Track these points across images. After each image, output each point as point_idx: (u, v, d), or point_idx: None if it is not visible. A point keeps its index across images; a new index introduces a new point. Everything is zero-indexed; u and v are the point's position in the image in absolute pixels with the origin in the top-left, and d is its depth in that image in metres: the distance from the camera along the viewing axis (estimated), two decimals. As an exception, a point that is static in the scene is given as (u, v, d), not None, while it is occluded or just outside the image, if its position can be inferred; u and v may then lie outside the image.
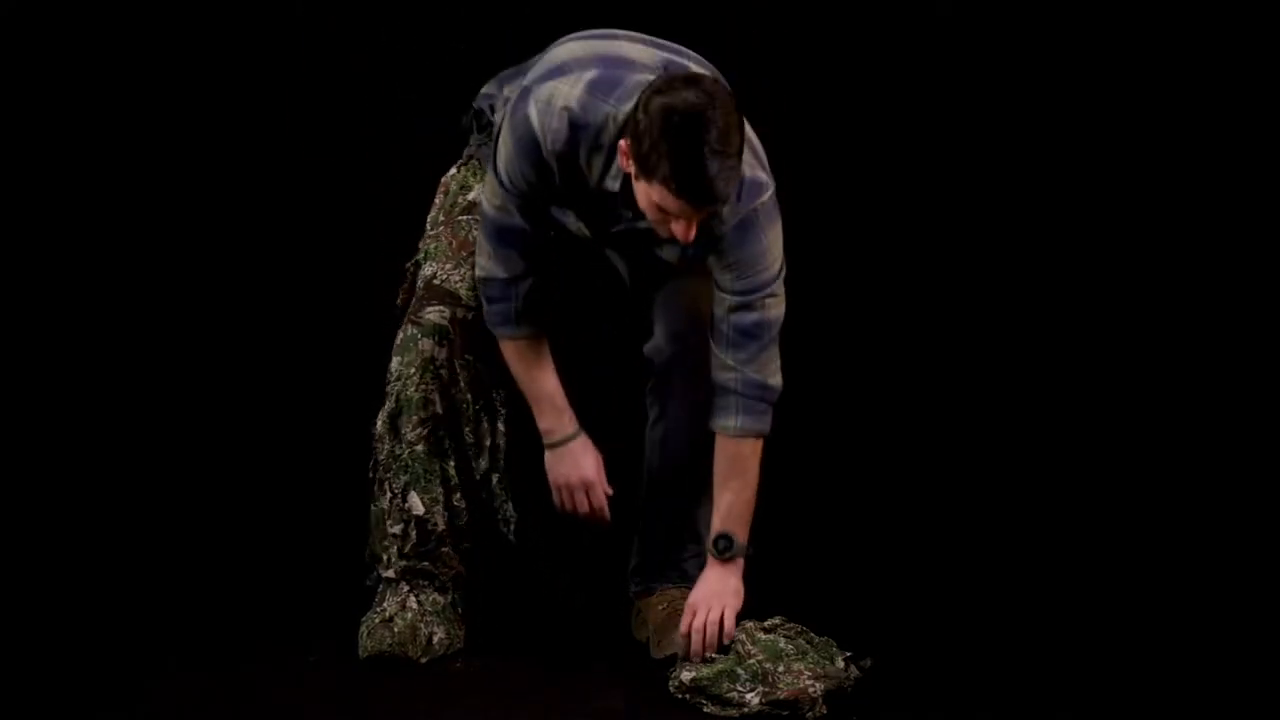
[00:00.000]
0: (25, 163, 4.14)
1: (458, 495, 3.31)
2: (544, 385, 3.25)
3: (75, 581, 3.67)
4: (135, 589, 3.65)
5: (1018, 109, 4.17)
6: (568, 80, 3.06)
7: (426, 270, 3.32)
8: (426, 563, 3.31)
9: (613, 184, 3.08)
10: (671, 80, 2.93)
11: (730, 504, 3.20)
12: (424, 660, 3.25)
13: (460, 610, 3.34)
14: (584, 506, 3.28)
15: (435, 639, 3.29)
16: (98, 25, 4.11)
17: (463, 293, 3.28)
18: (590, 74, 3.06)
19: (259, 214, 4.21)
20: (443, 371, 3.29)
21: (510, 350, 3.25)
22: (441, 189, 3.40)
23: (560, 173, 3.09)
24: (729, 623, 3.16)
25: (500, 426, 3.36)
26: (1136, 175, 4.16)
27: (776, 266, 3.14)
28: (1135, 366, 4.17)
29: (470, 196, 3.33)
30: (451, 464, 3.30)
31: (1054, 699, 3.15)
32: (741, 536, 3.20)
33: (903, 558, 3.91)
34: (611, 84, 3.04)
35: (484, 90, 3.39)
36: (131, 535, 3.92)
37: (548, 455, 3.28)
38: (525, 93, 3.09)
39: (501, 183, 3.14)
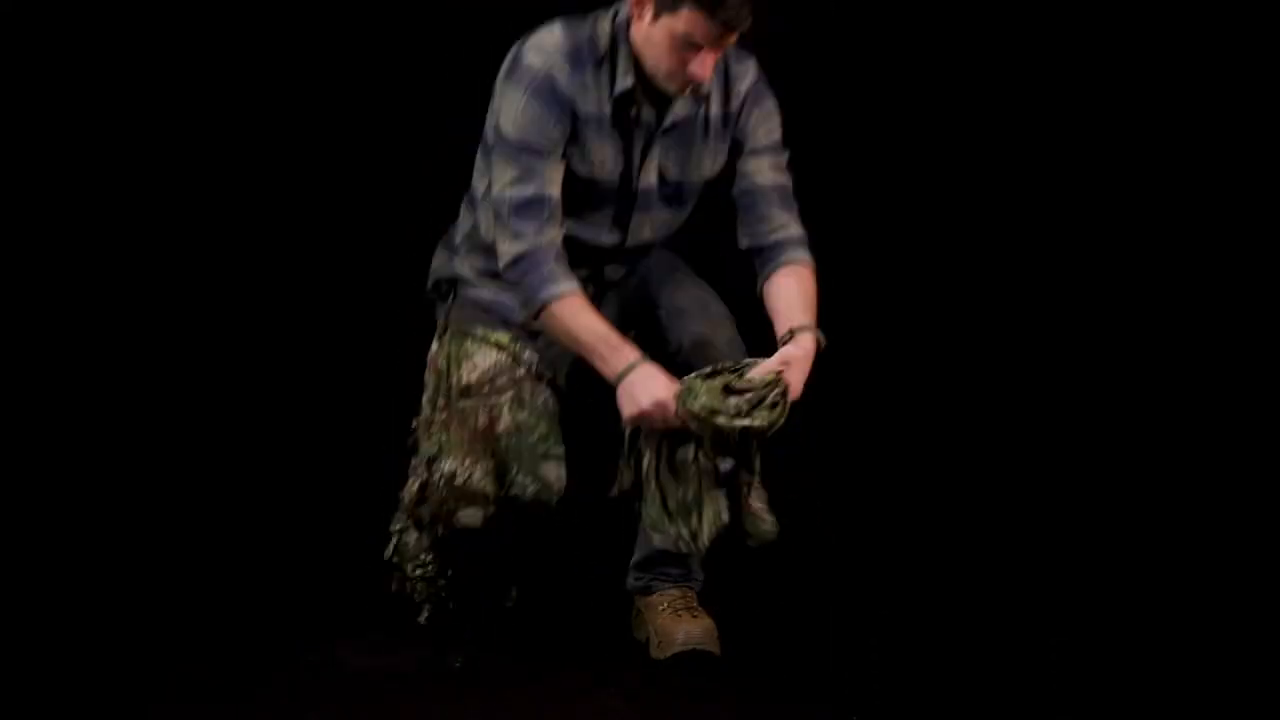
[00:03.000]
0: (25, 163, 4.14)
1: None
2: (596, 329, 3.18)
3: (75, 582, 3.67)
4: (135, 589, 3.65)
5: (1018, 109, 4.18)
6: (542, 30, 3.22)
7: (446, 467, 3.28)
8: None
9: (626, 81, 3.19)
10: None
11: (813, 312, 3.30)
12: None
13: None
14: (666, 424, 3.18)
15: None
16: (98, 25, 4.12)
17: (489, 489, 3.27)
18: (557, 20, 3.23)
19: (262, 214, 4.21)
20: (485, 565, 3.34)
21: (555, 316, 3.19)
22: (430, 368, 3.37)
23: (578, 101, 3.18)
24: (795, 388, 3.22)
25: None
26: (1136, 175, 4.16)
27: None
28: (1135, 366, 4.18)
29: (464, 377, 3.31)
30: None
31: (1054, 699, 3.15)
32: (810, 324, 3.29)
33: (902, 558, 3.91)
34: (579, 17, 3.22)
35: (434, 263, 3.43)
36: (131, 536, 3.92)
37: (619, 391, 3.17)
38: (516, 55, 3.20)
39: (516, 149, 3.17)
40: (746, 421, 3.11)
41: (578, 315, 3.19)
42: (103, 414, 4.16)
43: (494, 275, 3.29)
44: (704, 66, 3.12)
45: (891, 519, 4.05)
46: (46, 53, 4.12)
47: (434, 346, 3.38)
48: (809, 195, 4.24)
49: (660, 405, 3.14)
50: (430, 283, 3.44)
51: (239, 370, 4.20)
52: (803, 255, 3.33)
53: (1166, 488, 4.04)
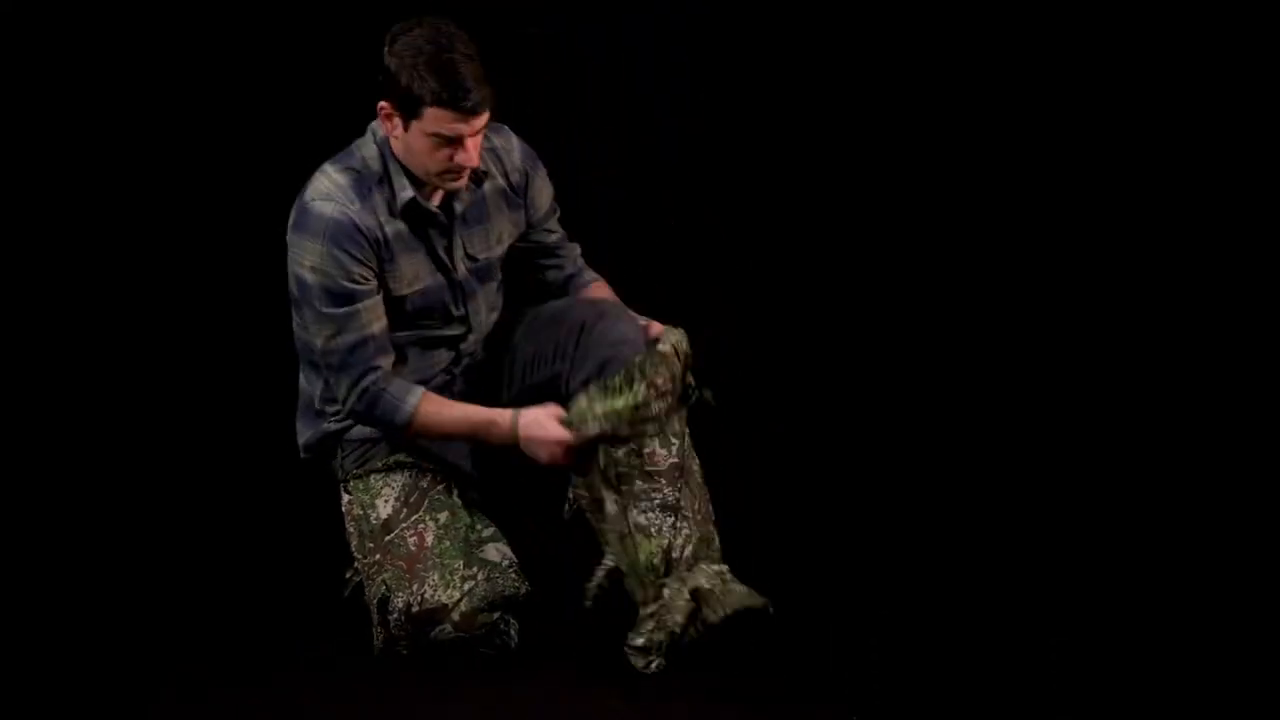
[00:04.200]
0: (25, 163, 4.14)
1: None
2: (464, 416, 3.29)
3: (75, 583, 3.67)
4: (135, 589, 3.65)
5: (1017, 109, 4.17)
6: (315, 178, 3.29)
7: (399, 603, 3.29)
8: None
9: (406, 193, 3.26)
10: (400, 28, 3.20)
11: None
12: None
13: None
14: (570, 457, 3.26)
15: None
16: (97, 25, 4.12)
17: (445, 599, 3.28)
18: (323, 166, 3.30)
19: (261, 214, 4.21)
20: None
21: (421, 424, 3.28)
22: (348, 518, 3.41)
23: (375, 230, 3.24)
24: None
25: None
26: (1136, 175, 4.16)
27: None
28: (1135, 366, 4.17)
29: (381, 513, 3.34)
30: None
31: (1054, 699, 3.15)
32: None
33: (902, 558, 3.90)
34: (344, 153, 3.31)
35: (302, 436, 3.47)
36: (132, 537, 3.92)
37: (522, 449, 3.27)
38: (303, 208, 3.25)
39: (327, 302, 3.22)
40: (642, 393, 3.21)
41: (441, 413, 3.29)
42: (104, 415, 4.16)
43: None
44: (468, 154, 3.19)
45: (892, 519, 4.05)
46: (46, 53, 4.12)
47: (343, 498, 3.42)
48: (809, 195, 4.26)
49: (561, 440, 3.23)
50: (304, 452, 3.48)
51: (239, 370, 4.20)
52: (596, 275, 3.57)
53: (1166, 488, 4.04)
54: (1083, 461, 4.13)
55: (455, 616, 3.27)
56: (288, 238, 3.27)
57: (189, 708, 3.04)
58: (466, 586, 3.28)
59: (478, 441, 3.32)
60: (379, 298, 3.26)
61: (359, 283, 3.23)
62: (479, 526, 3.35)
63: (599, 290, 3.53)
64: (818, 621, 3.41)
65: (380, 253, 3.25)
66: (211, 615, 3.53)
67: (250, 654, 3.33)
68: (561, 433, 3.23)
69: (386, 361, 3.28)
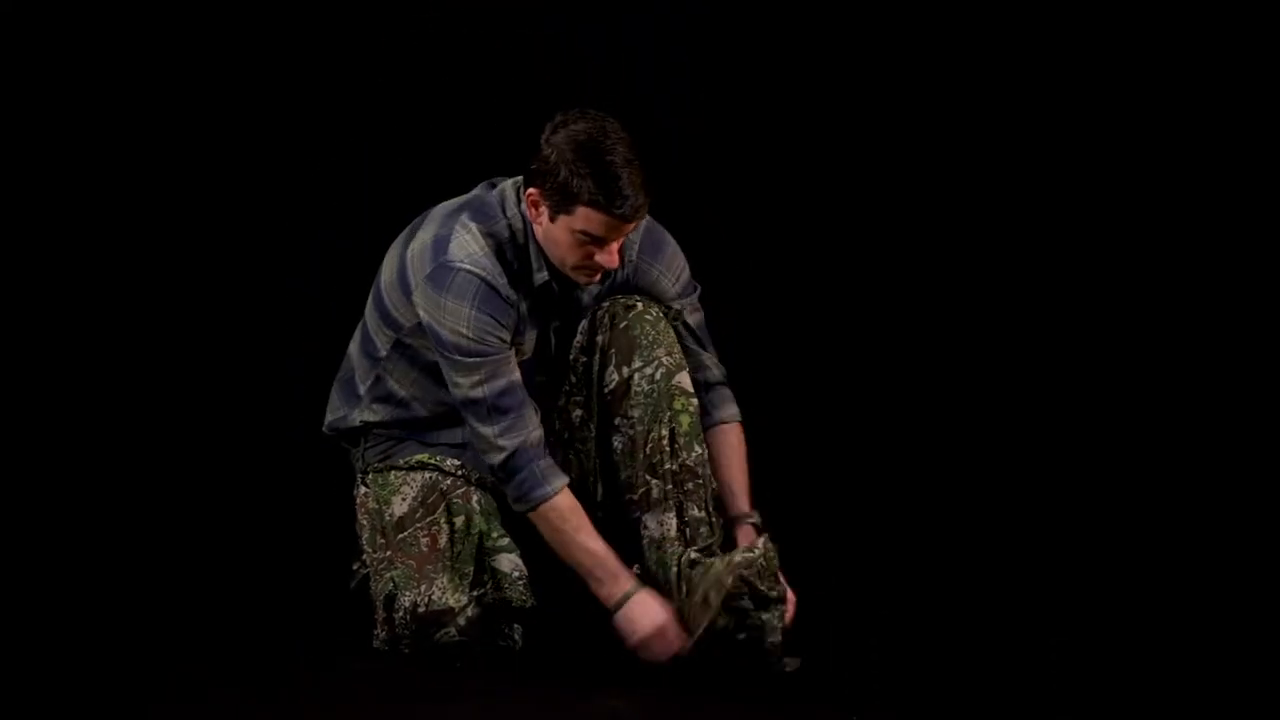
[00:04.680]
0: (25, 163, 4.14)
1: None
2: (592, 547, 3.20)
3: (76, 583, 3.67)
4: (135, 590, 3.65)
5: (1017, 109, 4.17)
6: (459, 234, 3.19)
7: (405, 601, 3.28)
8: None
9: (541, 276, 3.21)
10: (562, 118, 3.10)
11: (746, 485, 3.34)
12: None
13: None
14: (668, 653, 3.20)
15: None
16: (97, 25, 4.12)
17: (453, 603, 3.27)
18: (464, 216, 3.21)
19: (260, 215, 4.21)
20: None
21: (547, 520, 3.22)
22: (362, 510, 3.39)
23: (517, 302, 3.20)
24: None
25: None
26: (1135, 176, 4.16)
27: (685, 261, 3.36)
28: (1134, 366, 4.17)
29: (396, 511, 3.32)
30: None
31: (1054, 699, 3.15)
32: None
33: (902, 558, 3.90)
34: (485, 208, 3.22)
35: (333, 413, 3.43)
36: (132, 537, 3.92)
37: (617, 618, 3.21)
38: (448, 268, 3.16)
39: (475, 355, 3.17)
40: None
41: (573, 527, 3.21)
42: (105, 415, 4.16)
43: (408, 424, 3.35)
44: (610, 256, 3.13)
45: (891, 519, 4.05)
46: (46, 53, 4.13)
47: (360, 490, 3.40)
48: (808, 194, 4.26)
49: (661, 631, 3.17)
50: (327, 429, 3.45)
51: (238, 370, 4.20)
52: (731, 412, 3.39)
53: (1166, 488, 4.04)
54: (1083, 462, 4.13)
55: (461, 621, 3.27)
56: (423, 291, 3.18)
57: (189, 708, 3.04)
58: (475, 593, 3.27)
59: (585, 578, 3.21)
60: (514, 351, 3.24)
61: (503, 341, 3.19)
62: (494, 535, 3.33)
63: (724, 451, 3.35)
64: (818, 621, 3.41)
65: (517, 323, 3.22)
66: (211, 614, 3.53)
67: (250, 653, 3.32)
68: (664, 621, 3.17)
69: (534, 416, 3.22)
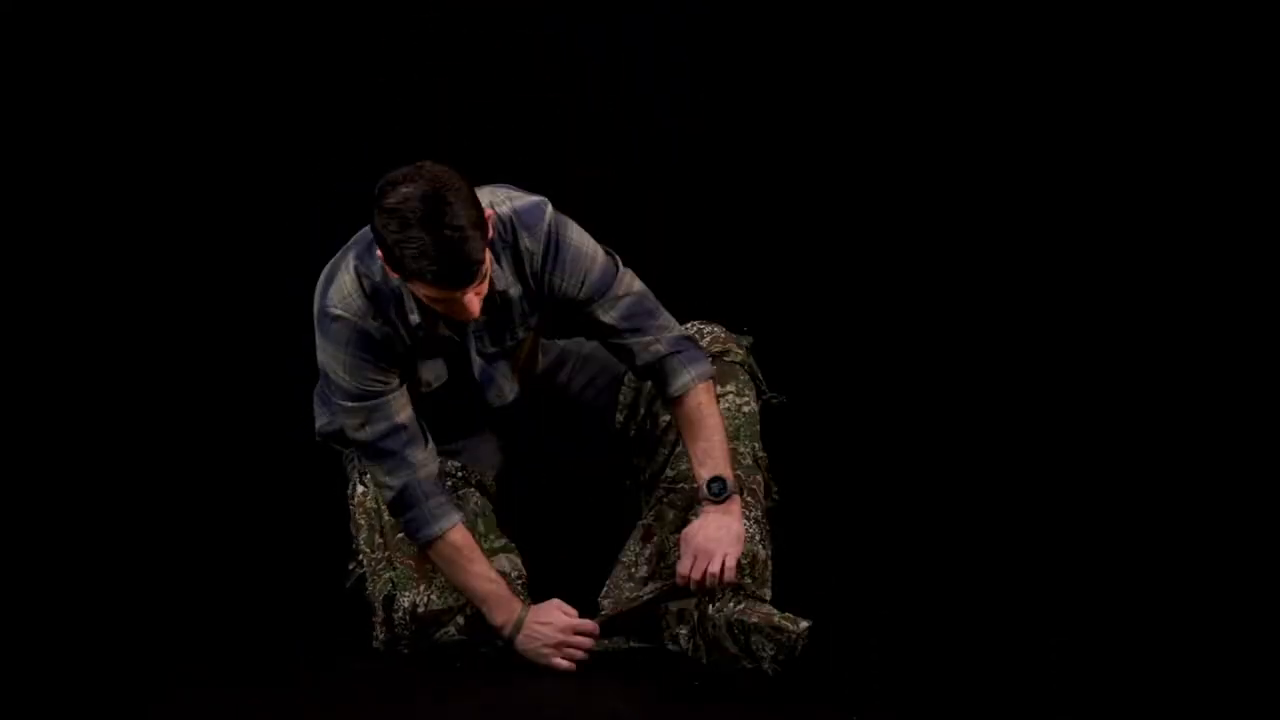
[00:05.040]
0: (24, 164, 4.14)
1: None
2: (483, 580, 3.22)
3: (76, 583, 3.67)
4: (136, 590, 3.65)
5: (1017, 109, 4.17)
6: (340, 276, 3.15)
7: (405, 602, 3.28)
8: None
9: (414, 318, 3.15)
10: (388, 182, 2.98)
11: (706, 449, 3.24)
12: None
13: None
14: (579, 654, 3.22)
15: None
16: (97, 25, 4.12)
17: (451, 601, 3.27)
18: (350, 256, 3.16)
19: (259, 216, 4.22)
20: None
21: (439, 554, 3.23)
22: (359, 510, 3.37)
23: (392, 341, 3.16)
24: (730, 571, 3.17)
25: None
26: (1136, 176, 4.16)
27: (601, 255, 3.24)
28: (1134, 366, 4.17)
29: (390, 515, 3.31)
30: None
31: (1054, 699, 3.14)
32: (728, 475, 3.22)
33: (902, 558, 3.90)
34: (370, 248, 3.12)
35: (320, 420, 3.41)
36: (132, 537, 3.92)
37: (519, 641, 3.22)
38: (324, 312, 3.15)
39: (355, 398, 3.17)
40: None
41: (465, 559, 3.22)
42: (106, 415, 4.16)
43: None
44: (465, 309, 3.03)
45: (891, 519, 4.05)
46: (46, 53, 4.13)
47: (357, 489, 3.38)
48: (808, 194, 4.26)
49: (565, 641, 3.20)
50: (318, 434, 3.43)
51: (237, 370, 4.20)
52: (687, 376, 3.27)
53: (1166, 487, 4.04)
54: (1082, 462, 4.13)
55: (460, 620, 3.27)
56: (316, 333, 3.19)
57: (189, 708, 3.04)
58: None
59: (483, 607, 3.23)
60: (403, 390, 3.21)
61: (384, 383, 3.18)
62: (491, 536, 3.34)
63: (688, 416, 3.27)
64: (818, 621, 3.40)
65: (400, 361, 3.20)
66: (212, 614, 3.53)
67: (250, 653, 3.32)
68: (567, 619, 3.21)
69: (420, 455, 3.22)
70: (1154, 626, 3.49)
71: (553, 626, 3.21)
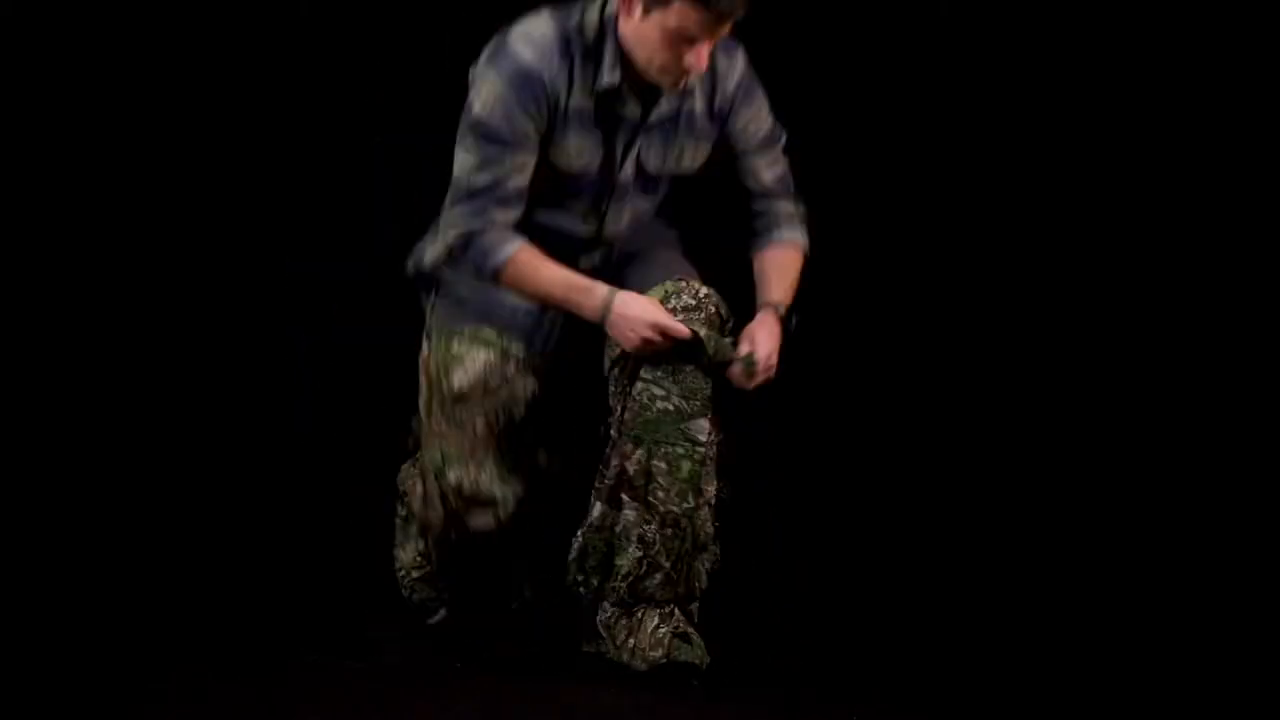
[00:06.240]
0: (23, 158, 4.15)
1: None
2: (559, 278, 3.16)
3: (75, 582, 3.67)
4: (135, 590, 3.65)
5: (1017, 109, 4.18)
6: (532, 18, 3.13)
7: (451, 477, 3.28)
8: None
9: (612, 77, 3.12)
10: None
11: (784, 288, 3.31)
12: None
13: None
14: (666, 343, 3.16)
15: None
16: (96, 16, 4.13)
17: (497, 491, 3.28)
18: (544, 9, 3.14)
19: (256, 218, 4.22)
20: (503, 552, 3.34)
21: (512, 276, 3.16)
22: (423, 371, 3.34)
23: (561, 96, 3.11)
24: (773, 369, 3.25)
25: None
26: (1136, 176, 4.16)
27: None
28: (1133, 365, 4.18)
29: (457, 384, 3.27)
30: None
31: (1054, 699, 3.15)
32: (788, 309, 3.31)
33: (902, 557, 3.91)
34: (567, 6, 3.13)
35: (417, 251, 3.37)
36: (132, 536, 3.92)
37: (610, 328, 3.16)
38: (501, 42, 3.12)
39: (483, 136, 3.11)
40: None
41: (538, 270, 3.16)
42: (104, 414, 4.16)
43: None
44: (699, 58, 3.04)
45: (891, 519, 4.05)
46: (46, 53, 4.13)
47: (424, 348, 3.35)
48: (807, 195, 4.26)
49: (655, 323, 3.14)
50: (411, 268, 3.38)
51: (237, 370, 4.21)
52: (789, 234, 3.36)
53: (1166, 487, 4.04)
54: (1082, 462, 4.13)
55: (502, 514, 3.27)
56: (477, 65, 3.15)
57: (188, 708, 3.04)
58: (520, 490, 3.27)
59: (565, 307, 3.17)
60: (532, 158, 3.14)
61: (518, 133, 3.11)
62: (542, 427, 3.30)
63: (769, 257, 3.35)
64: (818, 621, 3.41)
65: (554, 119, 3.13)
66: (211, 614, 3.53)
67: (250, 654, 3.32)
68: (660, 314, 3.14)
69: (504, 216, 3.14)
70: (1154, 626, 3.50)
71: (639, 319, 3.13)
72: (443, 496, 3.27)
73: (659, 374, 3.17)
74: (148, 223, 4.21)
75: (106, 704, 3.07)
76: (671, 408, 3.17)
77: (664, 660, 3.17)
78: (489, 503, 3.26)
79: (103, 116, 4.16)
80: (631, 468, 3.18)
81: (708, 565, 3.26)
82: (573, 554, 3.26)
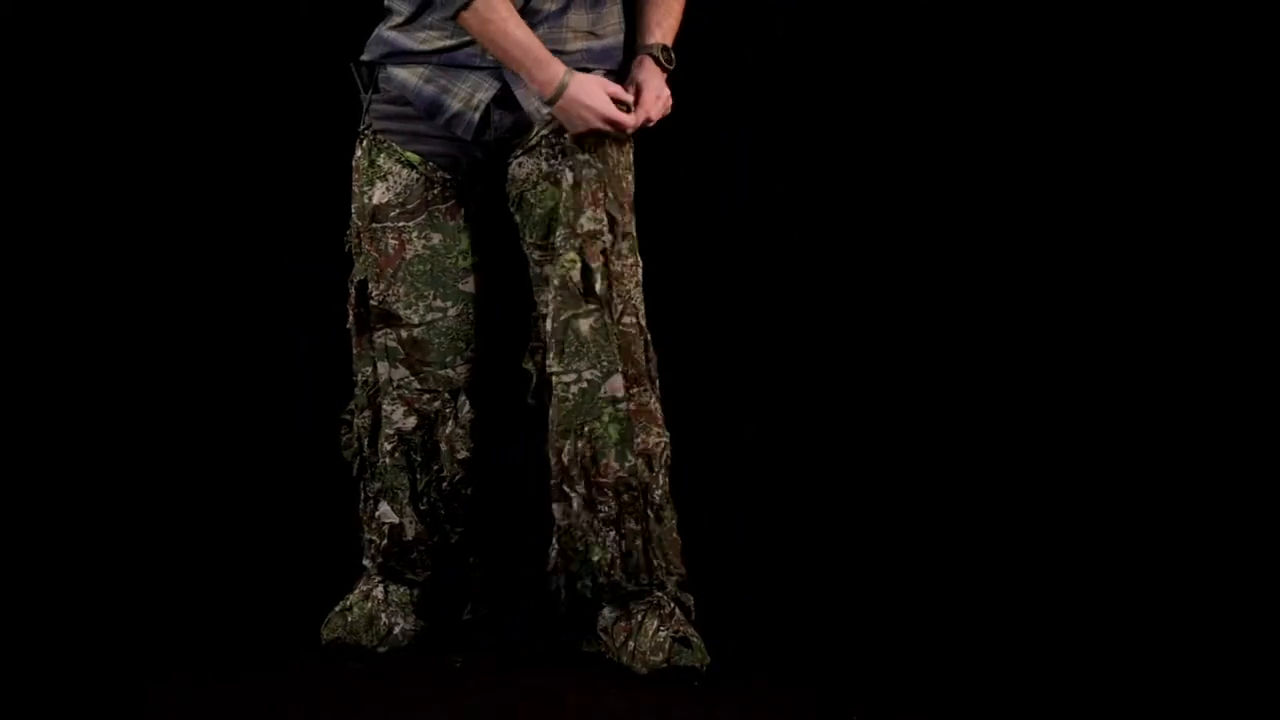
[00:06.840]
0: (24, 163, 4.15)
1: (424, 504, 3.33)
2: (520, 36, 3.11)
3: (75, 582, 3.67)
4: (134, 589, 3.65)
5: (1017, 109, 4.18)
6: None
7: (372, 293, 3.29)
8: (397, 564, 3.35)
9: None
10: None
11: (668, 31, 3.27)
12: (381, 650, 3.30)
13: (423, 605, 3.37)
14: (621, 125, 3.17)
15: (397, 629, 3.32)
16: (98, 25, 4.13)
17: (401, 311, 3.27)
18: None
19: (250, 213, 4.22)
20: (403, 391, 3.30)
21: (477, 14, 3.11)
22: (354, 167, 3.33)
23: None
24: (668, 107, 3.23)
25: (462, 431, 3.33)
26: (1136, 176, 4.16)
27: None
28: (1133, 365, 4.18)
29: (376, 198, 3.27)
30: (420, 477, 3.33)
31: (1054, 699, 3.15)
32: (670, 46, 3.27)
33: (902, 557, 3.91)
34: None
35: (369, 46, 3.32)
36: (131, 536, 3.92)
37: (557, 111, 3.16)
38: None
39: None
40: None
41: (506, 21, 3.12)
42: (104, 414, 4.17)
43: (412, 19, 3.22)
44: None
45: (891, 518, 4.05)
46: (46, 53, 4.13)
47: (356, 150, 3.33)
48: (807, 194, 4.26)
49: (606, 116, 3.14)
50: (365, 52, 3.32)
51: (236, 370, 4.21)
52: None
53: (1166, 487, 4.04)
54: (1081, 461, 4.13)
55: (405, 335, 3.27)
56: None
57: (187, 708, 3.04)
58: (430, 317, 3.27)
59: (518, 70, 3.14)
60: None
61: None
62: (472, 257, 3.30)
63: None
64: (817, 621, 3.41)
65: None
66: (211, 613, 3.53)
67: (251, 652, 3.32)
68: (611, 109, 3.13)
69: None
70: (1154, 626, 3.50)
71: (591, 109, 3.13)
72: (363, 311, 3.28)
73: (565, 357, 3.18)
74: (148, 223, 4.22)
75: (106, 704, 3.07)
76: (585, 384, 3.19)
77: (664, 665, 3.17)
78: (391, 320, 3.26)
79: (103, 117, 4.17)
80: (566, 459, 3.20)
81: (672, 520, 3.27)
82: (550, 564, 3.29)
